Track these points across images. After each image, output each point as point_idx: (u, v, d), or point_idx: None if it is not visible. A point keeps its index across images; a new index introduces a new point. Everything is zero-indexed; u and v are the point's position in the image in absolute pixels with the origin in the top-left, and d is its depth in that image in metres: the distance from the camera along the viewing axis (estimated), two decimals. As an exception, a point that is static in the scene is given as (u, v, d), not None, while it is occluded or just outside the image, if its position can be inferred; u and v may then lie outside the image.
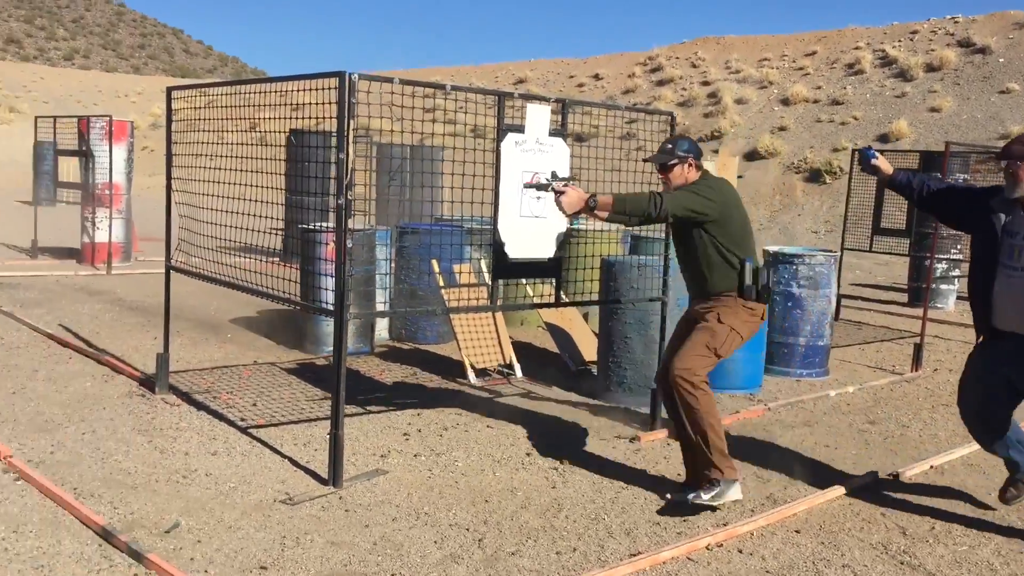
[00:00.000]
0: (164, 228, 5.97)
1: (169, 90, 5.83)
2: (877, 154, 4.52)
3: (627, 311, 6.21)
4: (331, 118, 4.34)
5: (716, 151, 22.71)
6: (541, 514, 4.17)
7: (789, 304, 7.34)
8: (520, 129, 4.90)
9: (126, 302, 9.42)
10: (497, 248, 4.93)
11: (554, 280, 5.28)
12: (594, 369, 7.05)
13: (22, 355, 6.75)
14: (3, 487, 4.13)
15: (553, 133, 5.05)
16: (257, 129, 5.86)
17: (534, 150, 4.95)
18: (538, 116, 4.95)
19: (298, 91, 5.00)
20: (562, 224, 5.14)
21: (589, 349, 7.35)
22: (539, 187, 4.59)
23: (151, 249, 13.99)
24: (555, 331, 7.42)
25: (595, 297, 6.52)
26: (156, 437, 4.99)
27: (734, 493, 4.23)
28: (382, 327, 8.03)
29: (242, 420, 5.42)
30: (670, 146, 4.42)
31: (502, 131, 4.84)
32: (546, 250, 5.12)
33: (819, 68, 28.05)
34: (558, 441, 5.32)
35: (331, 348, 7.58)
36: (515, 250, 4.96)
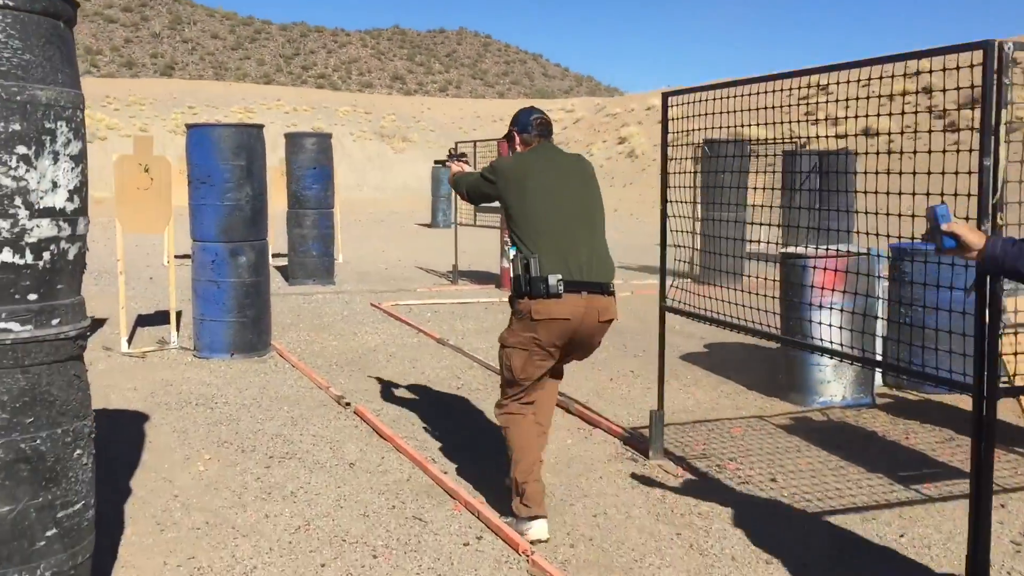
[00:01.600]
0: (658, 260, 5.05)
1: (665, 96, 4.88)
2: (951, 216, 2.62)
3: None
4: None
5: None
6: None
7: None
8: None
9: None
10: None
11: None
12: None
13: (485, 399, 6.20)
14: (539, 600, 3.32)
15: None
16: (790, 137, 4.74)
17: None
18: None
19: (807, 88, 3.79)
20: None
21: None
22: (442, 163, 5.08)
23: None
24: None
25: None
26: (683, 528, 3.99)
27: (535, 532, 3.75)
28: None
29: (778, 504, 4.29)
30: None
31: None
32: None
33: None
34: None
35: (825, 399, 6.30)
36: None
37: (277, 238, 14.69)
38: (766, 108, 4.44)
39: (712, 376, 6.98)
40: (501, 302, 10.79)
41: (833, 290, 5.86)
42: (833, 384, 6.11)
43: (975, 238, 2.61)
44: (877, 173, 4.01)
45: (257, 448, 5.07)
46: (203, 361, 7.31)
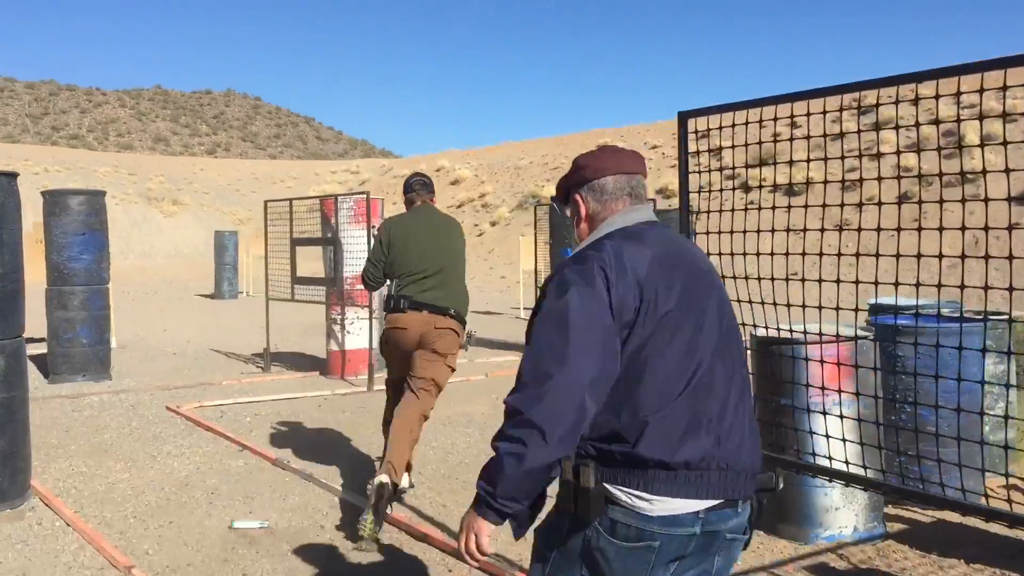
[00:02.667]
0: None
1: (682, 116, 3.26)
2: None
3: None
4: None
5: None
6: None
7: None
8: None
9: (430, 441, 6.95)
10: None
11: None
12: None
13: (371, 558, 4.22)
14: None
15: None
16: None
17: None
18: None
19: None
20: None
21: None
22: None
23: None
24: None
25: None
26: None
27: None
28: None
29: None
30: None
31: None
32: None
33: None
34: None
35: (832, 533, 4.78)
36: None
37: (30, 316, 11.83)
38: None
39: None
40: (335, 396, 8.74)
41: (840, 390, 4.45)
42: (843, 512, 4.65)
43: None
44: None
45: None
46: (-79, 524, 4.83)
